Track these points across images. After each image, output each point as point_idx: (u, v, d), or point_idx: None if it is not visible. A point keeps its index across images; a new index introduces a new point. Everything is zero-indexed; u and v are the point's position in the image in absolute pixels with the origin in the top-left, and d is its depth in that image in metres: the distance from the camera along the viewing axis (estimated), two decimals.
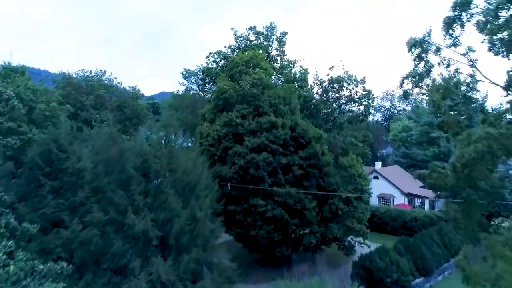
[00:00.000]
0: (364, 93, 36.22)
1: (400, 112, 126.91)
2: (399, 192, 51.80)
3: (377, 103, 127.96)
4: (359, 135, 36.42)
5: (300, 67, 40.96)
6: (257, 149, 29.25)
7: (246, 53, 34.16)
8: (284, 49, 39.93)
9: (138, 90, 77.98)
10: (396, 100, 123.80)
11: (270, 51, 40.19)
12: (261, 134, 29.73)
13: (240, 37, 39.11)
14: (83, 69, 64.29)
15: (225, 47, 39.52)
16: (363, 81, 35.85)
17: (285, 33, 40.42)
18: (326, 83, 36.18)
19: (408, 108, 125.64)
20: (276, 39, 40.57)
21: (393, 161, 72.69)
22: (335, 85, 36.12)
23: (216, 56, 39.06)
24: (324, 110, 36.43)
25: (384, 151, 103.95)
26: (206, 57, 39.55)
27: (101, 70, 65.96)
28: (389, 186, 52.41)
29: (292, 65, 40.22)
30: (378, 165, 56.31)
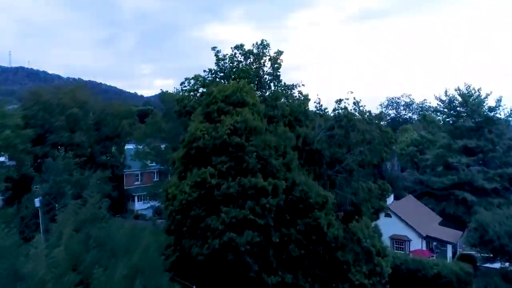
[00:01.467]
0: (379, 132, 27.67)
1: (406, 118, 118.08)
2: (416, 234, 43.26)
3: (381, 111, 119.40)
4: (375, 188, 27.86)
5: (299, 93, 32.45)
6: (238, 225, 20.78)
7: (229, 84, 25.58)
8: (279, 73, 31.30)
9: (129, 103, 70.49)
10: (402, 108, 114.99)
11: (262, 75, 31.61)
12: (244, 202, 21.26)
13: (223, 59, 30.44)
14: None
15: (205, 71, 30.85)
16: (379, 117, 27.27)
17: (280, 53, 31.80)
18: (332, 121, 27.60)
19: (415, 116, 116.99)
20: (270, 60, 31.98)
21: (402, 183, 63.99)
22: (343, 122, 27.56)
23: (192, 83, 30.23)
24: (329, 154, 27.83)
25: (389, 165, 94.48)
26: (181, 84, 30.88)
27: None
28: (404, 225, 43.87)
29: (288, 92, 31.68)
30: (389, 198, 47.64)
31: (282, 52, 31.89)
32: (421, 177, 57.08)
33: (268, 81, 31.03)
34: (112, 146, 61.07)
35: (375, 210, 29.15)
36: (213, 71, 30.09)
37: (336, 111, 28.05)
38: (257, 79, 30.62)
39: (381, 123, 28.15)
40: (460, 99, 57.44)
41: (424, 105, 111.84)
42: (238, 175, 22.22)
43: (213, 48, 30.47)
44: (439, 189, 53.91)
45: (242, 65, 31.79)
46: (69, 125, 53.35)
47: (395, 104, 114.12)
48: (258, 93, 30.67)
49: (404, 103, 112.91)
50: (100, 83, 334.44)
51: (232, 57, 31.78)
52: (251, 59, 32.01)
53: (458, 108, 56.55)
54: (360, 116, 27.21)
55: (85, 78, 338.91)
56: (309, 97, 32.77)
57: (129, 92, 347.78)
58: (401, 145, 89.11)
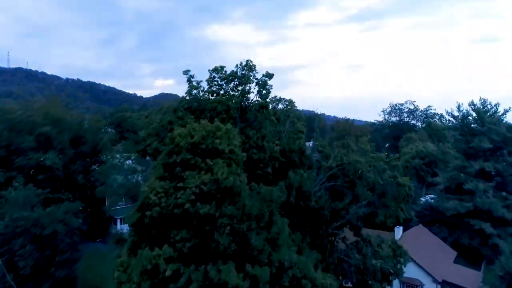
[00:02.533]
0: (393, 181, 21.22)
1: (410, 126, 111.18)
2: (430, 278, 36.86)
3: (384, 118, 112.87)
4: (387, 252, 21.44)
5: (292, 124, 26.09)
6: None
7: (199, 126, 19.11)
8: (267, 102, 24.75)
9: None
10: (406, 115, 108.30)
11: (247, 104, 25.15)
12: None
13: (197, 87, 23.87)
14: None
15: (174, 101, 24.32)
16: (393, 164, 20.80)
17: (269, 75, 25.33)
18: (333, 167, 21.15)
19: (419, 124, 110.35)
20: (257, 84, 25.52)
21: (409, 205, 57.37)
22: (347, 170, 21.13)
23: (158, 122, 23.23)
24: (330, 209, 21.40)
25: None
26: (146, 117, 24.28)
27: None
28: (416, 267, 37.47)
29: (281, 117, 25.31)
30: (398, 231, 41.18)
31: (272, 75, 25.42)
32: (431, 203, 50.54)
33: (255, 111, 24.50)
34: (91, 164, 54.81)
35: (386, 276, 22.78)
36: (183, 103, 23.39)
37: (339, 155, 21.60)
38: (240, 109, 24.13)
39: (397, 166, 21.60)
40: (474, 114, 50.90)
41: (428, 112, 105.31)
42: (204, 260, 15.87)
43: (185, 72, 23.95)
44: (452, 217, 47.44)
45: (224, 89, 25.37)
46: (39, 145, 47.12)
47: (398, 111, 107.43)
48: (242, 125, 24.23)
49: (407, 109, 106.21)
50: (99, 84, 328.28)
51: (211, 80, 25.35)
52: (236, 83, 25.57)
53: (472, 126, 49.95)
54: (369, 163, 20.79)
55: (84, 79, 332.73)
56: (304, 127, 26.51)
57: (128, 93, 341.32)
58: (406, 157, 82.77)
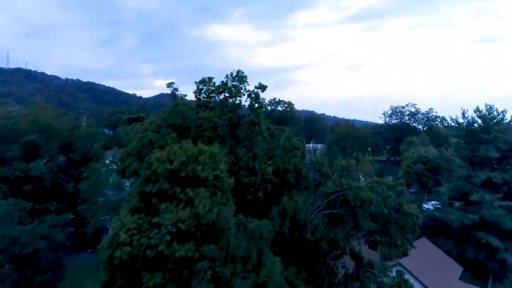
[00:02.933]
0: (398, 208, 18.85)
1: (411, 128, 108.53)
2: None
3: (385, 121, 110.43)
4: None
5: (287, 139, 23.76)
6: None
7: (179, 149, 16.75)
8: (259, 116, 22.31)
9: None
10: (407, 118, 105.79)
11: (238, 119, 22.78)
12: None
13: (182, 102, 21.42)
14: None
15: (157, 117, 21.82)
16: (397, 189, 18.43)
17: (261, 87, 22.99)
18: (332, 193, 18.79)
19: (420, 127, 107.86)
20: (249, 96, 23.16)
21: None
22: (347, 195, 18.76)
23: (137, 141, 20.67)
24: (328, 240, 19.06)
25: None
26: (127, 134, 21.92)
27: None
28: (421, 287, 35.13)
29: (275, 142, 22.93)
30: None
31: (266, 86, 23.08)
32: (435, 214, 48.19)
33: (246, 127, 22.12)
34: (82, 173, 52.45)
35: None
36: (167, 119, 20.90)
37: (338, 180, 19.24)
38: (230, 125, 21.78)
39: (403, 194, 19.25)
40: (480, 121, 48.46)
41: (430, 114, 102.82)
42: None
43: (169, 85, 21.59)
44: (458, 229, 45.07)
45: (213, 103, 23.02)
46: (26, 154, 44.81)
47: (399, 114, 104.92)
48: (232, 142, 21.90)
49: (409, 112, 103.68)
50: (99, 84, 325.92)
51: (198, 93, 22.99)
52: (226, 95, 23.21)
53: (478, 133, 47.47)
54: (371, 188, 18.44)
55: (84, 79, 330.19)
56: (300, 142, 24.17)
57: (127, 93, 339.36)
58: (407, 162, 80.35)
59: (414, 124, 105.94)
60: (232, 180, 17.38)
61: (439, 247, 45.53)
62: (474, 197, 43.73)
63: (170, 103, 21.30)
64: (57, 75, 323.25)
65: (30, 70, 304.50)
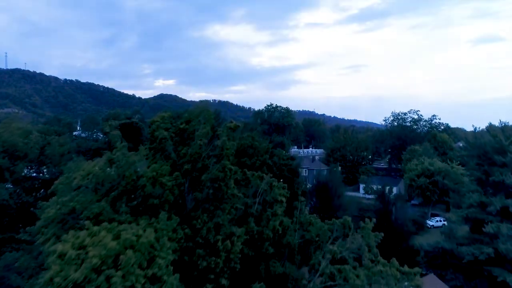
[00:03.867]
0: None
1: (414, 136, 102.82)
2: None
3: (386, 128, 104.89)
4: None
5: (268, 189, 18.55)
6: None
7: (96, 243, 11.44)
8: (227, 172, 17.01)
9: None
10: (409, 124, 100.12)
11: (199, 174, 17.44)
12: None
13: (116, 160, 16.03)
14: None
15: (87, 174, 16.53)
16: None
17: (234, 128, 17.66)
18: None
19: (424, 130, 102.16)
20: (217, 148, 17.79)
21: (417, 242, 49.71)
22: None
23: (58, 210, 15.44)
24: None
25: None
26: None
27: None
28: None
29: (251, 197, 17.61)
30: None
31: (238, 126, 17.79)
32: (444, 245, 42.79)
33: (211, 184, 16.79)
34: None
35: None
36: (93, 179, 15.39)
37: (329, 269, 13.99)
38: (189, 181, 16.50)
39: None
40: (493, 141, 43.01)
41: (433, 121, 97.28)
42: None
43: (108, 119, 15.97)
44: (469, 263, 39.70)
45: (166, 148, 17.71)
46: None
47: (401, 120, 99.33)
48: (190, 206, 16.60)
49: (411, 119, 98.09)
50: (98, 85, 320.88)
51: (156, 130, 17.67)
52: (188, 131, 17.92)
53: (492, 156, 42.02)
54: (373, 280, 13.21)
55: (83, 80, 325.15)
56: (286, 194, 19.04)
57: (127, 94, 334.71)
58: (411, 174, 75.01)
59: (417, 130, 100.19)
60: (176, 275, 12.11)
61: (447, 281, 40.30)
62: (489, 229, 38.26)
63: (104, 156, 15.93)
64: (56, 75, 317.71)
65: (28, 70, 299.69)
